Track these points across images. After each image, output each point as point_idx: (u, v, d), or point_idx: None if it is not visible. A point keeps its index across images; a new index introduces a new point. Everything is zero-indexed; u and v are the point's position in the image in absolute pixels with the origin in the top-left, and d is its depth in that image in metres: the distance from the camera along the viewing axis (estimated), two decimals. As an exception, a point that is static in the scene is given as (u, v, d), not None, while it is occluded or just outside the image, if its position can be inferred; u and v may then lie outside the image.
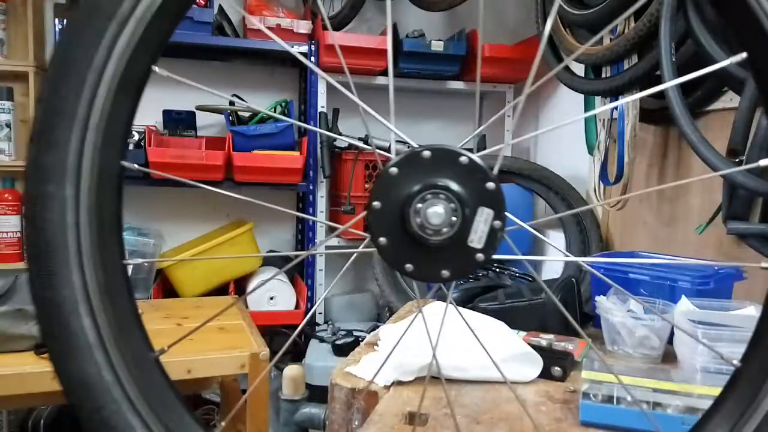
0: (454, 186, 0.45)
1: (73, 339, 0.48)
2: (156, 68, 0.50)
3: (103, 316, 0.49)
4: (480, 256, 0.45)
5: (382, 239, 0.47)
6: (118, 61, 0.48)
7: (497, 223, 0.45)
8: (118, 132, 0.49)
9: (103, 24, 0.47)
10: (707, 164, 1.11)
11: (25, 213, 0.48)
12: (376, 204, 0.47)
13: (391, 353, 0.83)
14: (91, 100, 0.48)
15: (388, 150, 1.92)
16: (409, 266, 0.47)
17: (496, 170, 0.46)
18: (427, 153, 0.45)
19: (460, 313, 0.54)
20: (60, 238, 0.48)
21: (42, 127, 0.48)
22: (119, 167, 0.50)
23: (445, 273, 0.46)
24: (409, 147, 0.47)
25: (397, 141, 0.53)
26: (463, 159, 0.45)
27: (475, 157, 0.45)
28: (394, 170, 0.46)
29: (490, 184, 0.45)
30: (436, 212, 0.43)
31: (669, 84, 0.84)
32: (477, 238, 0.45)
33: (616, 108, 1.48)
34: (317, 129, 1.00)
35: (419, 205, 0.45)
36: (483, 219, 0.44)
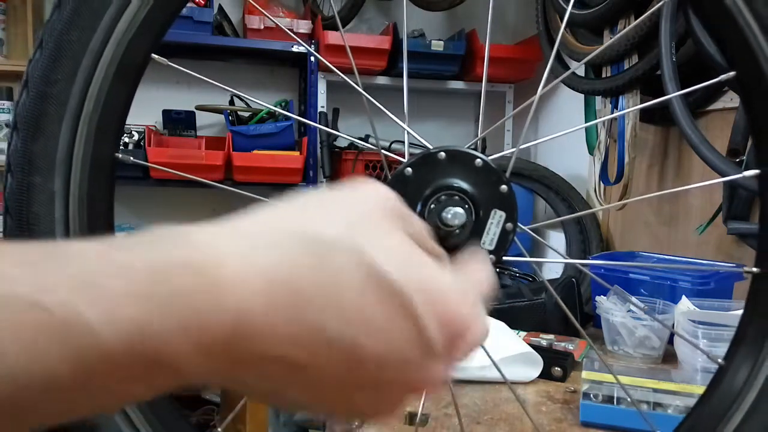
0: (469, 188, 0.45)
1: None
2: (155, 56, 0.47)
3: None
4: (492, 257, 0.45)
5: None
6: (117, 44, 0.44)
7: (509, 225, 0.45)
8: (112, 122, 0.46)
9: (103, 4, 0.43)
10: (708, 165, 1.11)
11: (7, 206, 0.44)
12: None
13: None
14: (85, 85, 0.44)
15: (388, 150, 1.91)
16: None
17: (508, 173, 0.46)
18: (442, 154, 0.45)
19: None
20: (47, 233, 0.44)
21: (29, 114, 0.43)
22: (112, 160, 0.47)
23: None
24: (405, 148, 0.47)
25: (406, 143, 0.54)
26: (477, 161, 0.45)
27: (489, 159, 0.45)
28: (408, 171, 0.46)
29: (503, 187, 0.45)
30: (455, 213, 0.44)
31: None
32: (489, 240, 0.45)
33: (616, 107, 1.48)
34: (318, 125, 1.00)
35: (433, 206, 0.45)
36: (495, 221, 0.45)
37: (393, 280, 0.25)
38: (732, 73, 0.49)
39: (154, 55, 0.47)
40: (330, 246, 0.25)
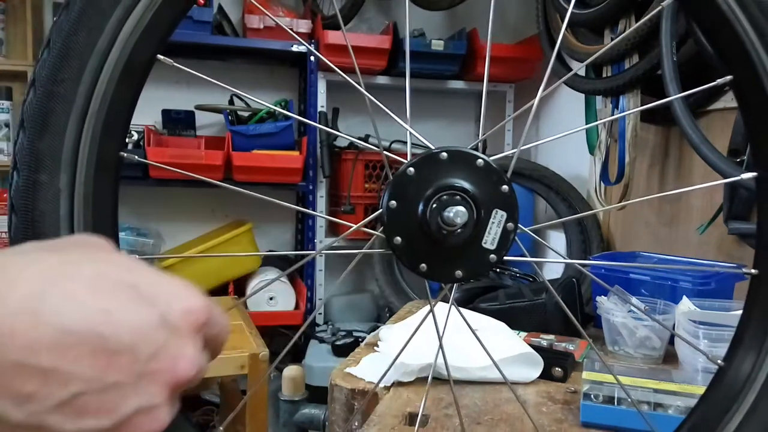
0: (470, 188, 0.45)
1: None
2: (161, 57, 0.48)
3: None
4: (493, 257, 0.46)
5: (398, 239, 0.47)
6: (123, 45, 0.45)
7: (510, 225, 0.46)
8: (118, 121, 0.47)
9: (110, 5, 0.45)
10: (709, 165, 1.11)
11: (13, 203, 0.45)
12: (392, 204, 0.47)
13: (398, 356, 0.82)
14: (92, 85, 0.45)
15: (388, 149, 1.90)
16: (423, 266, 0.48)
17: (509, 173, 0.47)
18: (444, 155, 0.46)
19: (461, 315, 0.54)
20: (52, 229, 0.45)
21: (36, 112, 0.45)
22: (117, 158, 0.48)
23: (459, 273, 0.47)
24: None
25: (408, 143, 0.55)
26: (479, 162, 0.46)
27: (490, 160, 0.46)
28: (411, 171, 0.47)
29: (504, 187, 0.46)
30: (456, 212, 0.44)
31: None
32: (490, 239, 0.46)
33: (617, 107, 1.48)
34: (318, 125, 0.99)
35: (435, 206, 0.45)
36: (497, 221, 0.46)
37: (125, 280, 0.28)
38: (728, 77, 0.49)
39: (159, 56, 0.48)
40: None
